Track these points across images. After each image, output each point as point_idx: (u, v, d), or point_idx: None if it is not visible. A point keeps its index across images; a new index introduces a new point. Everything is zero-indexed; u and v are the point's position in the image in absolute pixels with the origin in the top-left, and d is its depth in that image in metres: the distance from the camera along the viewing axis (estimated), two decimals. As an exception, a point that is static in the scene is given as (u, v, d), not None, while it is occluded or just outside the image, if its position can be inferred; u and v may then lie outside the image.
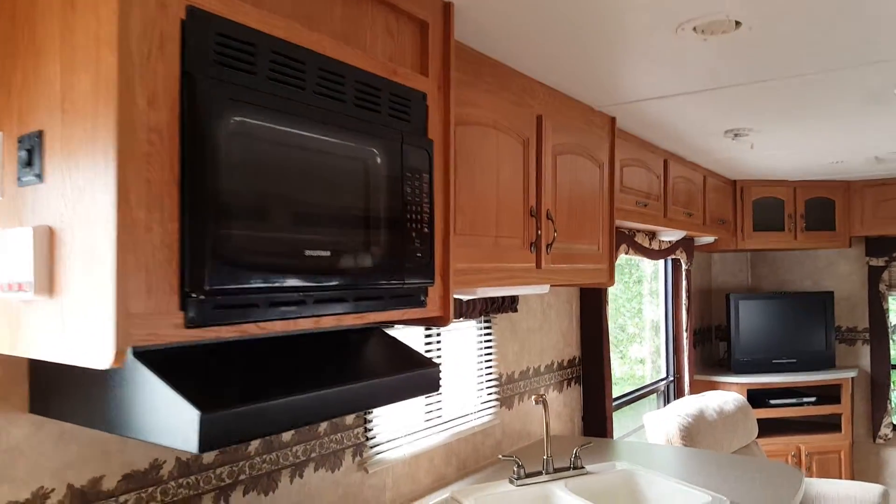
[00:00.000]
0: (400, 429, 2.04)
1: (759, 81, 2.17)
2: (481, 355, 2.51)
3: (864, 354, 4.66)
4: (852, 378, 4.49)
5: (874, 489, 3.19)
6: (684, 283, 4.22)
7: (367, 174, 1.24)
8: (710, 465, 2.51)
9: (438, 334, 2.26)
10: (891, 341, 4.62)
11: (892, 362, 4.70)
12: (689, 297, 4.22)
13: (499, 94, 1.92)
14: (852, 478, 4.41)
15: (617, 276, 5.28)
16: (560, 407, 3.03)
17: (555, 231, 2.11)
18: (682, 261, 4.18)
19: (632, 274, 4.42)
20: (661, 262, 4.39)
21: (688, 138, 3.03)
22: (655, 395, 4.21)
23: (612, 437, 3.19)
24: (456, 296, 1.86)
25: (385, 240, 1.24)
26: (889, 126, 2.85)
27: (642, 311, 4.54)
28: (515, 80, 2.04)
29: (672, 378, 4.31)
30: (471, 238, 1.75)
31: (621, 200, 2.78)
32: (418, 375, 1.26)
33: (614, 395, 3.75)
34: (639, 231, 3.49)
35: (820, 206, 4.40)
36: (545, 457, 2.17)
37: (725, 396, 3.52)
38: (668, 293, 4.35)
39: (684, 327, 4.22)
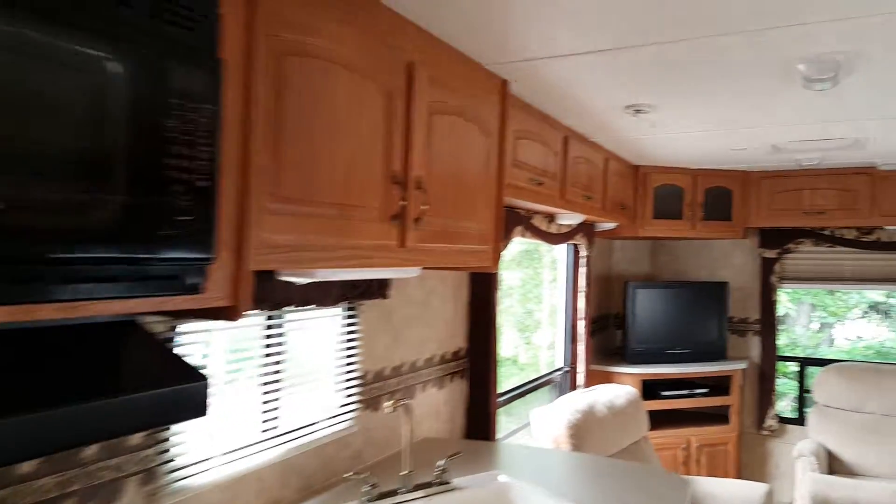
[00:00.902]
0: (217, 444, 1.61)
1: (662, 43, 1.88)
2: (342, 350, 2.11)
3: (755, 346, 4.61)
4: (743, 369, 4.43)
5: (759, 488, 3.06)
6: (583, 269, 3.98)
7: (102, 94, 0.81)
8: (595, 473, 2.24)
9: (280, 325, 1.85)
10: (778, 332, 4.60)
11: (780, 353, 4.69)
12: (588, 284, 3.99)
13: (355, 27, 1.51)
14: (739, 470, 4.36)
15: (525, 261, 5.03)
16: (440, 405, 2.69)
17: (425, 204, 1.74)
18: (581, 246, 3.94)
19: (541, 258, 4.16)
20: (564, 247, 4.14)
21: (588, 113, 2.73)
22: (551, 386, 3.97)
23: (494, 437, 2.89)
24: (289, 278, 1.46)
25: (124, 194, 0.82)
26: (789, 111, 2.67)
27: (542, 298, 4.30)
28: (382, 15, 1.63)
29: (567, 368, 4.09)
30: (304, 205, 1.34)
31: (514, 176, 2.45)
32: (172, 393, 0.85)
33: (512, 386, 3.47)
34: (536, 213, 3.19)
35: (718, 196, 4.27)
36: (403, 472, 1.82)
37: (617, 390, 3.30)
38: (568, 279, 4.11)
39: (581, 315, 3.99)
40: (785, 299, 7.92)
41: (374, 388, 2.27)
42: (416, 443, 2.43)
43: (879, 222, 4.00)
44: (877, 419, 3.91)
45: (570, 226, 3.56)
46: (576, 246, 4.02)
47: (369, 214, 1.56)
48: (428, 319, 2.58)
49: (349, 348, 2.13)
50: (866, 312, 9.55)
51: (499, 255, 2.24)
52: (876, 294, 8.48)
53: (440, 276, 2.66)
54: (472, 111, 2.02)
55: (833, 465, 3.88)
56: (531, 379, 3.72)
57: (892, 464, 3.75)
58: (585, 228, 3.86)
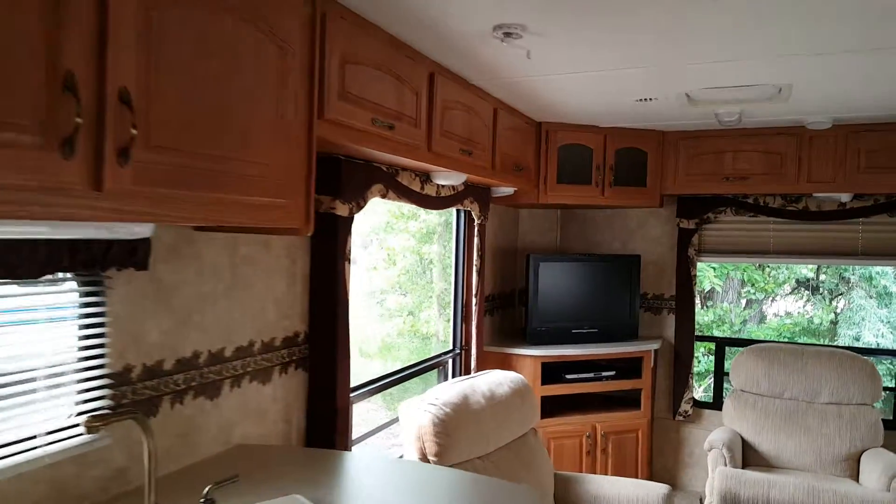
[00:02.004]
0: None
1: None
2: (77, 340, 1.54)
3: (670, 324, 4.23)
4: (655, 350, 4.03)
5: (657, 490, 2.65)
6: (477, 240, 3.48)
7: None
8: (436, 491, 1.74)
9: None
10: (699, 310, 4.25)
11: (698, 333, 4.34)
12: (481, 257, 3.49)
13: None
14: (649, 459, 3.99)
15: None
16: (267, 404, 2.15)
17: (135, 127, 1.17)
18: (473, 214, 3.43)
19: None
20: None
21: (451, 39, 2.19)
22: (440, 371, 3.48)
23: (347, 440, 2.37)
24: None
25: None
26: (700, 42, 2.19)
27: (432, 274, 3.81)
28: None
29: (459, 351, 3.60)
30: None
31: (345, 113, 1.90)
32: None
33: (386, 372, 2.96)
34: (404, 169, 2.65)
35: (631, 159, 3.82)
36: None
37: (500, 377, 2.82)
38: (459, 252, 3.60)
39: (475, 292, 3.50)
40: (711, 275, 7.67)
41: (146, 388, 1.71)
42: (225, 452, 1.89)
43: (807, 189, 3.62)
44: (797, 406, 3.57)
45: (452, 188, 3.04)
46: (468, 213, 3.51)
47: (17, 139, 0.99)
48: (240, 297, 2.02)
49: (89, 337, 1.55)
50: (795, 289, 9.46)
51: (310, 212, 1.69)
52: (805, 269, 8.34)
53: (261, 243, 2.10)
54: (251, 7, 1.45)
55: (749, 456, 3.53)
56: (411, 364, 3.21)
57: (812, 455, 3.42)
58: (477, 193, 3.35)
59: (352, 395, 2.56)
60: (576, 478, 2.81)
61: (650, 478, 4.11)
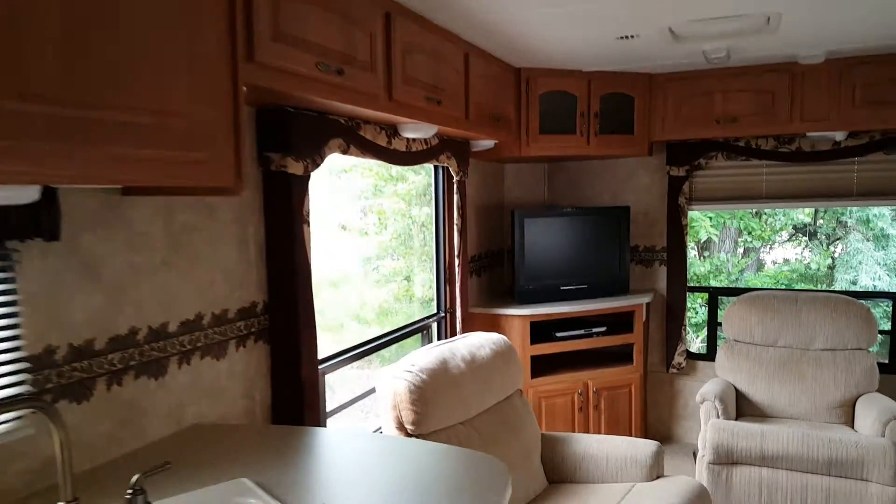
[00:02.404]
0: None
1: None
2: (-19, 319, 1.36)
3: (662, 277, 4.05)
4: (647, 304, 3.86)
5: (647, 448, 2.50)
6: (457, 197, 3.28)
7: None
8: (403, 467, 1.58)
9: None
10: (694, 261, 4.08)
11: (694, 284, 4.17)
12: (462, 216, 3.30)
13: None
14: (643, 413, 3.86)
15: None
16: (222, 380, 1.98)
17: (-10, 69, 0.97)
18: (451, 170, 3.22)
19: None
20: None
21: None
22: (424, 336, 3.32)
23: (317, 415, 2.22)
24: None
25: None
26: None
27: (425, 236, 3.63)
28: None
29: (443, 314, 3.44)
30: None
31: (283, 55, 1.68)
32: None
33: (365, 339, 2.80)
34: (366, 122, 2.44)
35: (617, 105, 3.59)
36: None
37: (481, 339, 2.66)
38: (440, 211, 3.40)
39: (457, 252, 3.31)
40: (708, 224, 7.47)
41: (74, 370, 1.54)
42: (176, 434, 1.74)
43: (801, 128, 3.39)
44: (791, 354, 3.42)
45: (424, 142, 2.82)
46: (446, 170, 3.30)
47: None
48: (183, 267, 1.84)
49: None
50: (793, 235, 9.26)
51: (241, 168, 1.49)
52: (802, 214, 8.13)
53: (203, 208, 1.90)
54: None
55: (743, 406, 3.39)
56: (392, 330, 3.05)
57: (806, 403, 3.28)
58: (454, 148, 3.14)
59: (323, 365, 2.41)
60: (563, 438, 2.67)
61: (644, 432, 4.00)
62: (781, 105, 3.36)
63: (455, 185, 3.25)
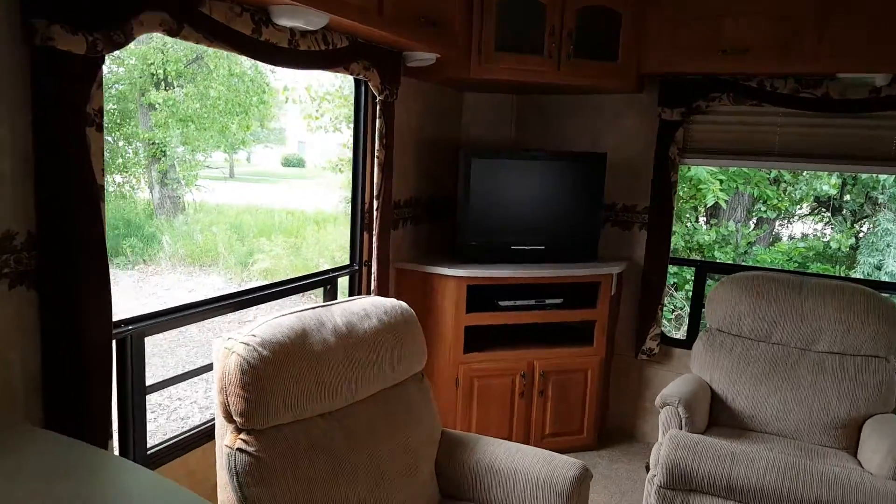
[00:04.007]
0: None
1: None
2: None
3: (641, 243, 3.39)
4: (617, 274, 3.22)
5: (567, 469, 1.90)
6: (380, 122, 2.61)
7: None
8: None
9: None
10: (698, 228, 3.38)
11: (696, 257, 3.51)
12: (386, 147, 2.64)
13: None
14: (598, 404, 3.26)
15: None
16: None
17: None
18: (372, 86, 2.54)
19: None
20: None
21: None
22: (326, 292, 2.71)
23: (106, 391, 1.63)
24: None
25: None
26: None
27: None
28: None
29: (358, 267, 2.82)
30: None
31: None
32: None
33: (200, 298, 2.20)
34: (215, -2, 1.77)
35: (599, 23, 2.87)
36: None
37: (368, 306, 2.04)
38: (360, 139, 2.74)
39: (376, 192, 2.67)
40: (717, 188, 6.71)
41: None
42: None
43: (829, 67, 2.66)
44: (787, 354, 2.77)
45: (321, 39, 2.14)
46: (364, 85, 2.63)
47: None
48: None
49: None
50: (814, 209, 8.46)
51: None
52: (827, 185, 7.32)
53: None
54: None
55: (717, 414, 2.77)
56: (274, 283, 2.44)
57: (799, 416, 2.65)
58: (376, 57, 2.45)
59: (138, 325, 1.82)
60: (464, 441, 2.08)
61: (601, 425, 3.42)
62: (806, 34, 2.63)
63: (378, 107, 2.58)
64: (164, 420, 4.22)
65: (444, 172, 3.35)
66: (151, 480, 1.08)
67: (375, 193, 2.65)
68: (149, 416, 4.28)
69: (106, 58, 1.54)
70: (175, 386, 4.67)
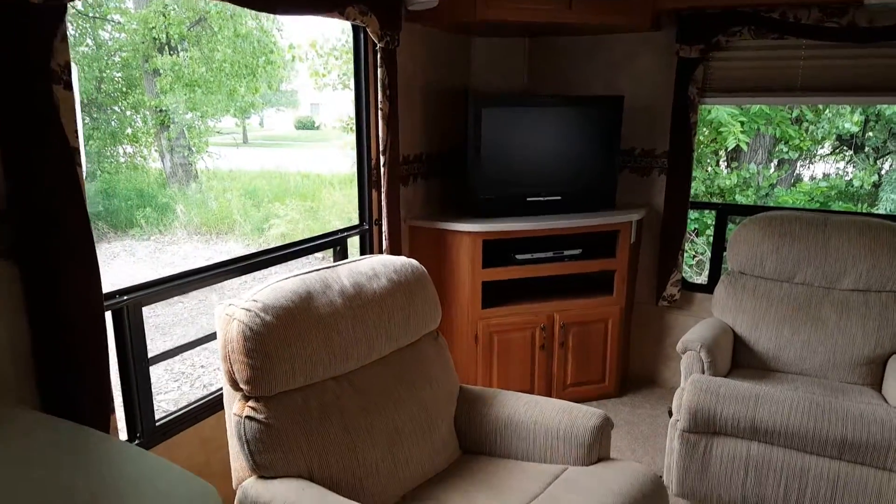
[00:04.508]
0: None
1: None
2: None
3: (660, 189, 3.25)
4: (637, 221, 3.10)
5: (587, 419, 1.83)
6: (381, 72, 2.48)
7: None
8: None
9: None
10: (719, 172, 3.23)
11: (717, 200, 3.37)
12: (389, 98, 2.51)
13: None
14: (619, 354, 3.19)
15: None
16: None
17: None
18: (370, 32, 2.40)
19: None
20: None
21: None
22: (336, 253, 2.63)
23: (102, 368, 1.57)
24: None
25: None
26: None
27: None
28: None
29: (368, 226, 2.73)
30: None
31: None
32: None
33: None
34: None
35: (610, -46, 2.67)
36: None
37: (377, 265, 1.96)
38: (361, 91, 2.61)
39: (382, 146, 2.56)
40: (738, 130, 6.46)
41: None
42: None
43: (856, -7, 2.47)
44: (810, 294, 2.66)
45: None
46: (363, 31, 2.49)
47: None
48: None
49: None
50: (836, 148, 8.16)
51: None
52: (850, 123, 7.02)
53: None
54: None
55: (740, 356, 2.68)
56: (278, 246, 2.36)
57: (823, 356, 2.56)
58: (378, 0, 2.31)
59: (130, 296, 1.75)
60: (483, 396, 2.02)
61: (623, 373, 3.35)
62: (836, -46, 2.42)
63: (379, 56, 2.45)
64: (189, 388, 4.23)
65: (454, 124, 3.22)
66: (141, 459, 1.02)
67: (382, 148, 2.54)
68: (173, 384, 4.32)
69: (93, 21, 1.43)
70: (197, 354, 4.69)
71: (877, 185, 7.38)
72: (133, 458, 1.02)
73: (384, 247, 2.65)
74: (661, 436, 2.86)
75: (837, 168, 8.11)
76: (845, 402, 2.11)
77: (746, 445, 2.16)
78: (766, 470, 2.13)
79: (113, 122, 8.21)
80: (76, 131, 1.46)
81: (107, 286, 1.63)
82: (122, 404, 1.81)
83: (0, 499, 0.87)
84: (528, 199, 2.99)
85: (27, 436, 1.08)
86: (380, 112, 2.50)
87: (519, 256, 2.94)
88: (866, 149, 7.70)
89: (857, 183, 7.17)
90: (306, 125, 17.17)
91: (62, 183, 1.43)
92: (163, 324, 5.24)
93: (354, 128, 2.67)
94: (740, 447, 2.16)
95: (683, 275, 3.23)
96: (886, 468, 1.99)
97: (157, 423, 1.86)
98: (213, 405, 2.01)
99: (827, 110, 6.90)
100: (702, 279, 5.92)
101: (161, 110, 8.14)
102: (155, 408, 1.88)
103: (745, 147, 6.60)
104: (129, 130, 8.28)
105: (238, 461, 1.60)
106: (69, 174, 1.44)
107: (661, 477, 1.75)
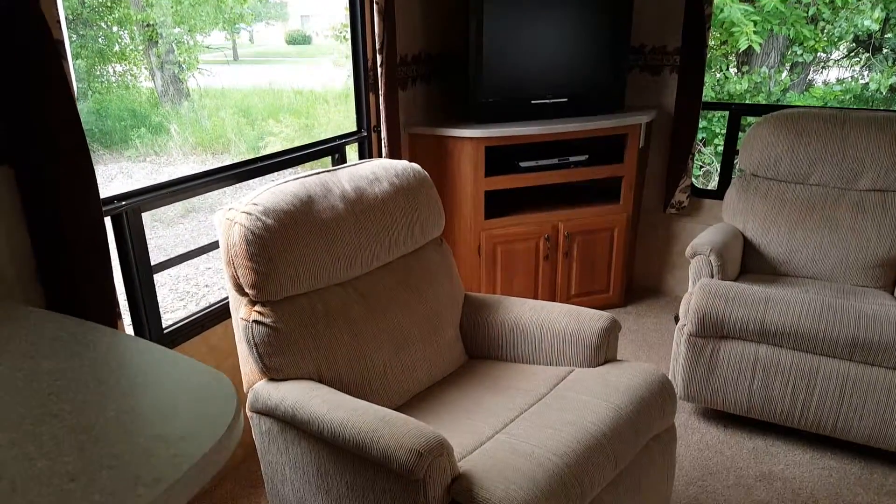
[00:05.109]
0: None
1: None
2: None
3: (672, 89, 3.13)
4: (646, 124, 3.00)
5: (593, 321, 1.82)
6: (376, -34, 2.32)
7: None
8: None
9: None
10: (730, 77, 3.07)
11: (706, 99, 3.25)
12: (385, -6, 2.36)
13: None
14: (625, 262, 3.17)
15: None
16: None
17: None
18: (364, -80, 2.23)
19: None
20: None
21: None
22: (335, 161, 2.56)
23: (105, 275, 1.54)
24: None
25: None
26: None
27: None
28: None
29: (366, 133, 2.64)
30: None
31: None
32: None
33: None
34: None
35: None
36: None
37: (377, 169, 1.89)
38: (355, -12, 2.46)
39: (378, 46, 2.43)
40: (751, 30, 6.19)
41: None
42: None
43: None
44: (825, 195, 2.60)
45: None
46: (356, -81, 2.32)
47: None
48: None
49: None
50: (853, 50, 7.86)
51: None
52: (869, 20, 6.71)
53: None
54: None
55: (750, 261, 2.66)
56: (270, 154, 2.29)
57: (835, 258, 2.53)
58: None
59: (128, 202, 1.70)
60: (488, 302, 2.01)
61: (628, 284, 3.35)
62: None
63: (372, -53, 2.28)
64: (195, 307, 4.26)
65: (456, 22, 3.06)
66: (150, 351, 1.01)
67: (378, 47, 2.42)
68: (178, 303, 4.35)
69: None
70: (201, 274, 4.71)
71: (894, 90, 7.15)
72: (142, 350, 1.00)
73: (384, 154, 2.57)
74: (666, 343, 2.88)
75: (853, 73, 7.84)
76: (857, 304, 2.10)
77: (755, 348, 2.16)
78: (773, 372, 2.15)
79: (100, 40, 7.91)
80: (59, 22, 1.37)
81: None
82: (129, 312, 1.80)
83: (9, 389, 0.86)
84: (533, 101, 2.88)
85: (34, 331, 1.06)
86: (375, 5, 2.36)
87: (523, 164, 2.87)
88: (884, 50, 7.41)
89: (873, 86, 6.94)
90: (297, 40, 16.58)
91: (48, 80, 1.35)
92: (165, 245, 5.24)
93: (349, 35, 2.53)
94: (748, 350, 2.17)
95: (692, 181, 3.17)
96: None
97: (165, 332, 1.86)
98: (219, 314, 2.01)
99: (845, 7, 6.58)
100: (711, 188, 5.85)
101: (148, 25, 7.81)
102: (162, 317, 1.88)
103: (757, 48, 6.35)
104: (116, 48, 7.99)
105: (248, 365, 1.60)
106: (55, 70, 1.36)
107: (666, 379, 1.75)
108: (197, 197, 3.37)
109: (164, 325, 1.87)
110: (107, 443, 0.77)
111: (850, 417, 2.07)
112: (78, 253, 1.46)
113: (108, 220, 1.62)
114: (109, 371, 0.92)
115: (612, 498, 1.52)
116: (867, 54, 7.52)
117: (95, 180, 1.48)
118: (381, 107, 2.49)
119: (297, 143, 2.43)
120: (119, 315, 1.53)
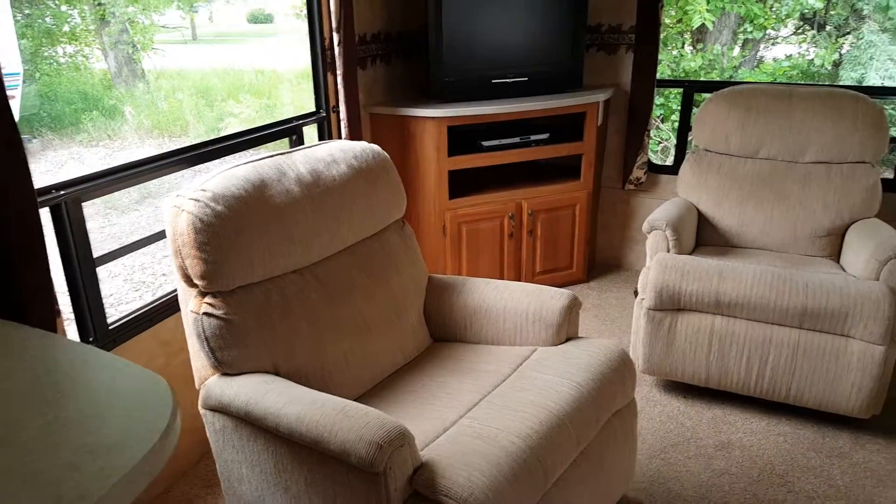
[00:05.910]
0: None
1: None
2: None
3: (627, 68, 3.08)
4: (603, 102, 2.95)
5: (554, 300, 1.78)
6: (328, -59, 2.20)
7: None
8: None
9: None
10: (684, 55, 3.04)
11: (661, 77, 3.22)
12: (339, -30, 2.24)
13: None
14: (587, 239, 3.14)
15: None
16: None
17: None
18: None
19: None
20: None
21: None
22: (292, 143, 2.45)
23: (40, 269, 1.43)
24: None
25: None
26: None
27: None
28: None
29: (325, 113, 2.54)
30: None
31: None
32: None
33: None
34: None
35: None
36: None
37: (335, 151, 1.80)
38: (308, -37, 2.33)
39: (335, 24, 2.32)
40: (704, 9, 6.19)
41: None
42: None
43: None
44: (773, 168, 2.60)
45: None
46: None
47: None
48: None
49: None
50: (799, 28, 7.95)
51: None
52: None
53: None
54: None
55: (705, 234, 2.65)
56: (225, 136, 2.17)
57: (785, 229, 2.54)
58: None
59: (67, 191, 1.58)
60: (451, 284, 1.95)
61: (591, 260, 3.33)
62: None
63: (324, -79, 2.16)
64: (151, 297, 4.10)
65: (414, 2, 2.95)
66: (85, 354, 0.92)
67: (335, 25, 2.30)
68: (134, 294, 4.17)
69: None
70: (158, 262, 4.53)
71: (837, 65, 7.27)
72: (72, 354, 0.91)
73: (343, 136, 2.48)
74: (627, 317, 2.88)
75: (800, 49, 7.94)
76: (805, 273, 2.11)
77: (710, 320, 2.16)
78: (729, 342, 2.15)
79: (48, 19, 7.49)
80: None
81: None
82: (71, 309, 1.69)
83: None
84: (494, 81, 2.80)
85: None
86: (329, -15, 2.24)
87: (485, 143, 2.80)
88: (828, 27, 7.51)
89: (818, 62, 7.04)
90: (259, 18, 16.05)
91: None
92: (119, 233, 5.02)
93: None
94: (704, 322, 2.17)
95: (649, 157, 3.14)
96: (844, 334, 2.02)
97: (111, 327, 1.75)
98: (170, 305, 1.90)
99: (793, -14, 6.63)
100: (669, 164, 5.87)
101: (99, 3, 7.42)
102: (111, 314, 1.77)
103: (710, 26, 6.37)
104: (66, 28, 7.58)
105: (199, 360, 1.51)
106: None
107: (625, 354, 1.73)
108: (154, 181, 3.21)
109: (109, 321, 1.76)
110: (29, 458, 0.69)
111: (802, 384, 2.09)
112: (9, 248, 1.34)
113: (45, 212, 1.50)
114: (34, 378, 0.84)
115: (576, 476, 1.49)
116: (812, 31, 7.61)
117: (27, 169, 1.36)
118: (340, 87, 2.39)
119: (258, 124, 2.31)
120: (58, 313, 1.42)
